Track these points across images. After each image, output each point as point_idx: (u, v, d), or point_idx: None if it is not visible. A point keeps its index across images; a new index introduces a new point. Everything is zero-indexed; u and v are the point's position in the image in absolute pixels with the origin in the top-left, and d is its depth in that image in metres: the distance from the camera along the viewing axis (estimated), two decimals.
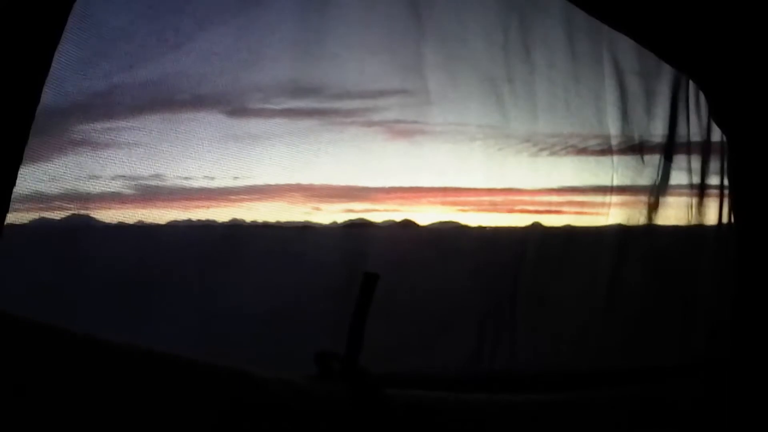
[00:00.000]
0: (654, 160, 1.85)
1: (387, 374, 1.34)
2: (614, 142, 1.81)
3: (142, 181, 1.37)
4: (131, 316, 1.44)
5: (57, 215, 1.27)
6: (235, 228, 1.51)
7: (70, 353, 0.95)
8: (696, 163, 1.87)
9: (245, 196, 1.49)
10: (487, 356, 1.77)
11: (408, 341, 1.75)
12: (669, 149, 1.85)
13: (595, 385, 1.60)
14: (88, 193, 1.30)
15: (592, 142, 1.81)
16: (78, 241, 1.37)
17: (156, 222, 1.41)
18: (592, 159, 1.81)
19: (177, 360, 1.03)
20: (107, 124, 1.32)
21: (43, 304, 1.32)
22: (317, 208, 1.58)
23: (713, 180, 1.88)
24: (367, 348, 1.21)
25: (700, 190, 1.89)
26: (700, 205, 1.89)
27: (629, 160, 1.83)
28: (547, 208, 1.80)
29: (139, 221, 1.39)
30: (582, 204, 1.83)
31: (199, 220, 1.48)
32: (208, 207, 1.47)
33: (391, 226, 1.72)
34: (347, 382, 1.17)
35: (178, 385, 1.01)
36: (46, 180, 1.21)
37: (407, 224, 1.74)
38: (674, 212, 1.88)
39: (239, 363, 1.12)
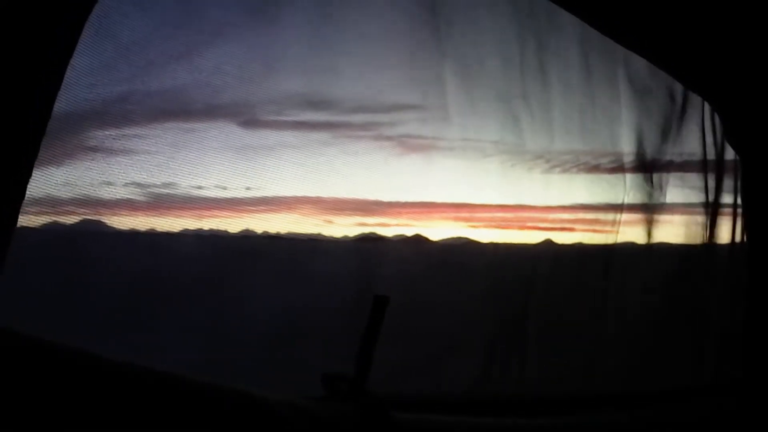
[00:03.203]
0: (667, 178, 1.84)
1: (394, 396, 1.33)
2: (627, 160, 1.80)
3: (154, 189, 1.37)
4: (140, 321, 1.43)
5: (69, 220, 1.27)
6: (247, 239, 1.51)
7: (71, 373, 0.93)
8: (709, 181, 1.86)
9: (257, 208, 1.49)
10: (496, 378, 1.75)
11: (417, 361, 1.74)
12: (681, 168, 1.85)
13: (605, 409, 1.58)
14: (101, 199, 1.30)
15: (604, 160, 1.81)
16: (89, 246, 1.36)
17: (168, 230, 1.41)
18: (604, 177, 1.81)
19: (181, 381, 1.01)
20: (121, 132, 1.32)
21: (53, 307, 1.32)
22: (329, 221, 1.58)
23: (726, 199, 1.88)
24: (375, 368, 1.20)
25: (713, 209, 1.88)
26: (713, 224, 1.88)
27: (642, 178, 1.82)
28: (559, 225, 1.80)
29: (151, 229, 1.39)
30: (594, 222, 1.83)
31: (211, 230, 1.47)
32: (220, 217, 1.47)
33: (402, 241, 1.71)
34: (354, 405, 1.15)
35: (182, 407, 1.00)
36: (59, 184, 1.21)
37: (419, 239, 1.73)
38: (687, 231, 1.87)
39: (244, 384, 1.10)
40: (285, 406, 1.09)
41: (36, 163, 1.08)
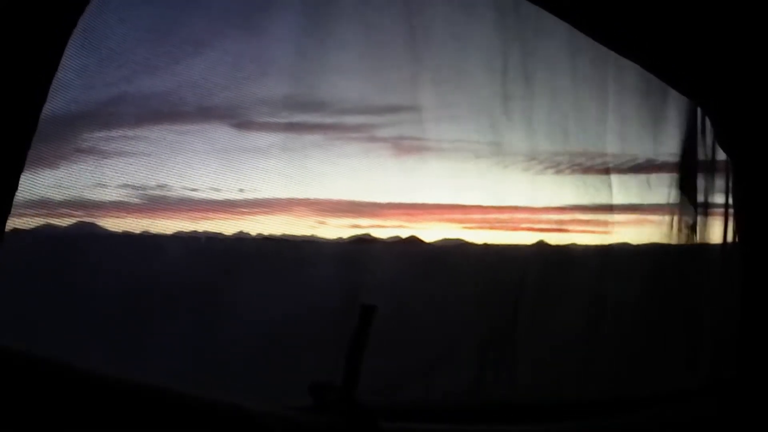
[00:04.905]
0: (659, 179, 1.85)
1: (384, 405, 1.33)
2: (620, 161, 1.81)
3: (148, 191, 1.37)
4: (133, 323, 1.44)
5: (63, 222, 1.27)
6: (241, 241, 1.51)
7: (62, 388, 0.92)
8: (701, 182, 1.87)
9: (251, 209, 1.49)
10: (490, 383, 1.74)
11: (409, 365, 1.73)
12: (674, 169, 1.86)
13: (599, 414, 1.58)
14: (95, 201, 1.30)
15: (597, 161, 1.82)
16: (83, 248, 1.37)
17: (161, 232, 1.41)
18: (597, 178, 1.81)
19: (169, 394, 1.01)
20: (114, 134, 1.33)
21: (46, 309, 1.33)
22: (322, 223, 1.58)
23: (718, 199, 1.88)
24: (367, 374, 1.20)
25: (705, 209, 1.88)
26: (705, 224, 1.88)
27: (634, 179, 1.83)
28: (552, 226, 1.80)
29: (145, 230, 1.40)
30: (586, 222, 1.83)
31: (205, 232, 1.48)
32: (213, 219, 1.48)
33: (397, 243, 1.72)
34: (342, 415, 1.15)
35: (171, 421, 1.00)
36: (53, 186, 1.21)
37: (413, 241, 1.74)
38: (679, 231, 1.88)
39: (235, 390, 1.11)
40: (273, 418, 1.10)
41: (30, 165, 1.09)
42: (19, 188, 1.05)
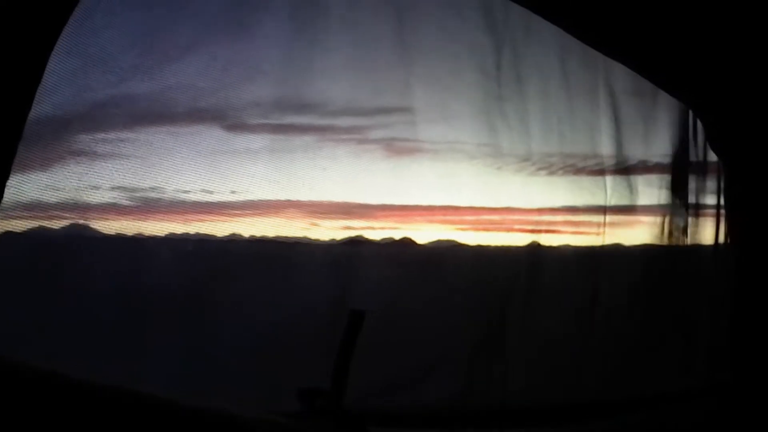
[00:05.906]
0: (651, 181, 1.86)
1: (373, 411, 1.33)
2: (612, 162, 1.82)
3: (140, 193, 1.38)
4: (126, 327, 1.44)
5: (55, 224, 1.28)
6: (233, 243, 1.52)
7: (53, 396, 0.93)
8: (692, 183, 1.88)
9: (243, 211, 1.49)
10: (479, 389, 1.74)
11: (398, 371, 1.73)
12: (665, 171, 1.86)
13: (592, 417, 1.58)
14: (87, 204, 1.31)
15: (589, 163, 1.82)
16: (76, 251, 1.38)
17: (154, 234, 1.42)
18: (590, 179, 1.82)
19: (157, 401, 1.01)
20: (106, 136, 1.34)
21: (39, 313, 1.34)
22: (315, 224, 1.59)
23: (710, 200, 1.89)
24: (354, 380, 1.20)
25: (696, 211, 1.89)
26: (697, 225, 1.89)
27: (626, 180, 1.83)
28: (545, 227, 1.80)
29: (138, 233, 1.41)
30: (580, 224, 1.84)
31: (197, 234, 1.48)
32: (206, 221, 1.48)
33: (389, 244, 1.72)
34: (331, 421, 1.16)
35: (158, 427, 1.00)
36: (45, 189, 1.22)
37: (405, 242, 1.74)
38: (671, 232, 1.88)
39: (220, 399, 1.11)
40: (261, 423, 1.10)
41: (22, 168, 1.10)
42: (12, 191, 1.06)
